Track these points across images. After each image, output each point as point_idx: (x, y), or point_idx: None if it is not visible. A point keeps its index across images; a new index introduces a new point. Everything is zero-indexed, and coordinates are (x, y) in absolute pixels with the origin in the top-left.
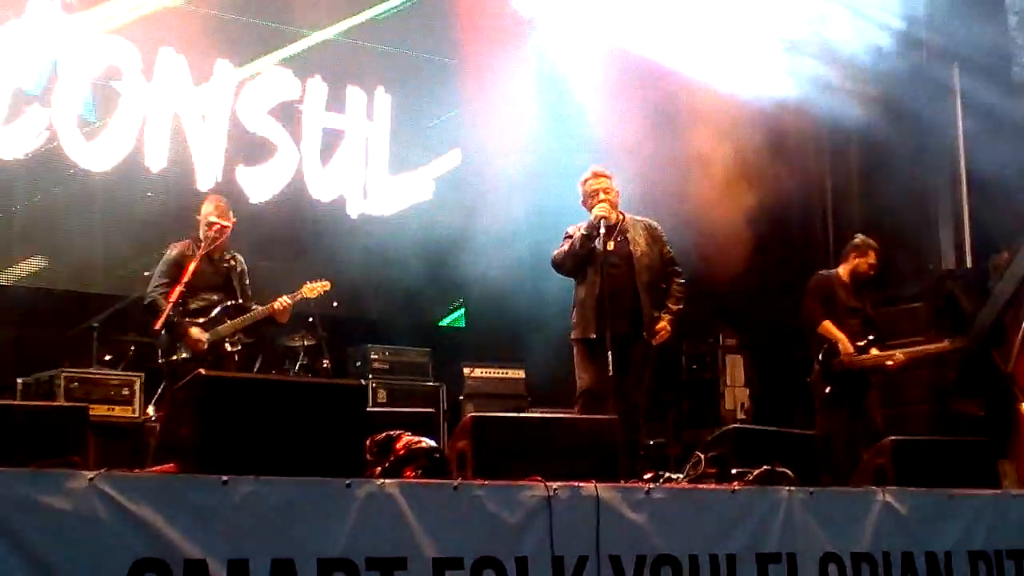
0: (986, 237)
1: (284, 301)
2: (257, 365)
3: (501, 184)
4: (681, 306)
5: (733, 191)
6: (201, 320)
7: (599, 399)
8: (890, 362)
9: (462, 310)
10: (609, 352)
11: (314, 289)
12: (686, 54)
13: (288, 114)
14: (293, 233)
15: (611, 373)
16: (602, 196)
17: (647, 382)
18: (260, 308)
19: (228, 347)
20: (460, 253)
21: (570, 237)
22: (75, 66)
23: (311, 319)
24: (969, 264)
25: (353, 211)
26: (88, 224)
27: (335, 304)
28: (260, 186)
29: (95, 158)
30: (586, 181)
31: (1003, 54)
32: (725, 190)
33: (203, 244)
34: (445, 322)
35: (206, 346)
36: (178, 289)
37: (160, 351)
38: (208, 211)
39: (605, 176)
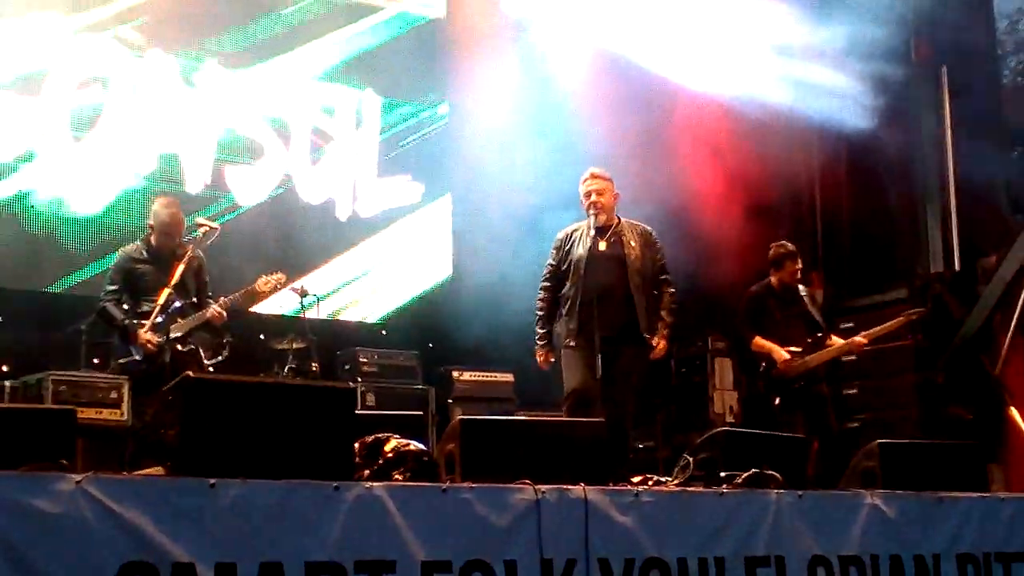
0: (974, 240)
1: (216, 309)
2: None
3: (490, 187)
4: (674, 318)
5: (722, 194)
6: (150, 322)
7: (586, 402)
8: (854, 347)
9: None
10: (599, 355)
11: (268, 282)
12: (675, 57)
13: (277, 116)
14: (282, 234)
15: (598, 376)
16: (594, 198)
17: (638, 387)
18: (198, 315)
19: (180, 347)
20: (448, 256)
21: (555, 248)
22: (63, 66)
23: (300, 322)
24: (957, 267)
25: (342, 213)
26: (79, 227)
27: (319, 305)
28: (249, 188)
29: (83, 159)
30: (583, 182)
31: (992, 57)
32: (714, 193)
33: (172, 245)
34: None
35: (155, 348)
36: (166, 292)
37: (113, 354)
38: (159, 211)
39: (601, 178)
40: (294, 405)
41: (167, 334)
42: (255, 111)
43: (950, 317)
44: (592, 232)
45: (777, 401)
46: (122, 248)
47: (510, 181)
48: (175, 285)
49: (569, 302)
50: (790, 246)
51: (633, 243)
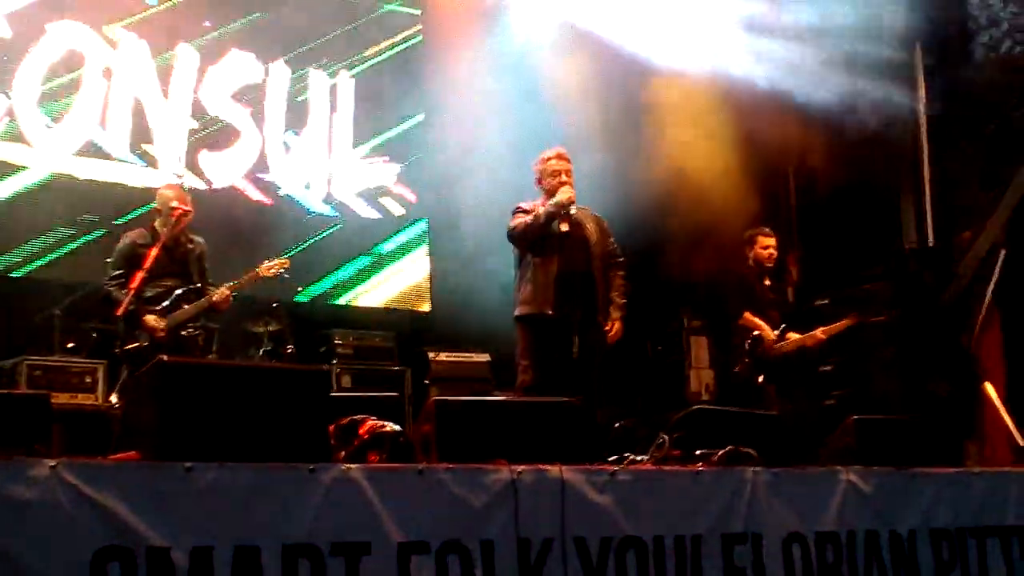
0: (949, 216)
1: (222, 292)
2: (214, 348)
3: (466, 167)
4: (626, 300)
5: (695, 173)
6: (158, 307)
7: (545, 391)
8: (810, 342)
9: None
10: (576, 336)
11: (271, 268)
12: (648, 34)
13: (251, 98)
14: (256, 218)
15: (575, 355)
16: (564, 178)
17: (600, 368)
18: (202, 301)
19: (185, 333)
20: (423, 236)
21: (524, 212)
22: (35, 51)
23: (275, 304)
24: (932, 243)
25: (317, 195)
26: (49, 211)
27: (299, 289)
28: (223, 171)
29: (56, 144)
30: (548, 160)
31: (965, 33)
32: (688, 172)
33: (166, 230)
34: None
35: (164, 333)
36: (140, 275)
37: (118, 339)
38: (168, 197)
39: (567, 160)
40: (269, 388)
41: (178, 321)
42: (228, 95)
43: (926, 293)
44: (572, 212)
45: (760, 379)
46: (126, 233)
47: (486, 162)
48: (181, 271)
49: (532, 278)
50: (764, 228)
51: (591, 228)
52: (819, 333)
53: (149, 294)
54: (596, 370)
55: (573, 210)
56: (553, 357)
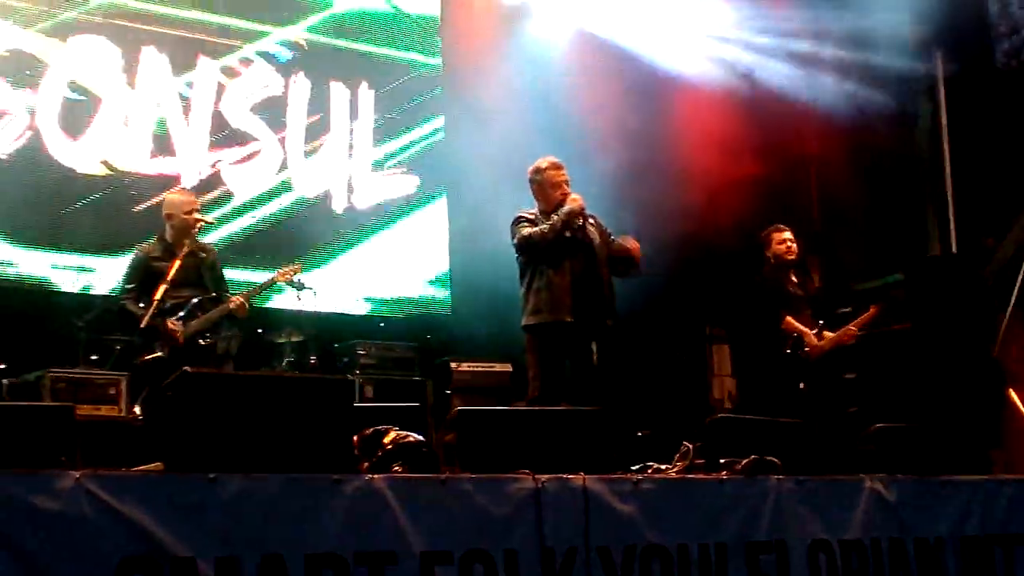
0: (972, 223)
1: (238, 299)
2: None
3: (486, 176)
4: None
5: (718, 182)
6: (174, 316)
7: (557, 400)
8: (846, 338)
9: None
10: (594, 343)
11: (285, 274)
12: (666, 40)
13: (272, 111)
14: (278, 228)
15: (595, 363)
16: (566, 188)
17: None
18: (219, 308)
19: (203, 342)
20: (444, 246)
21: (528, 220)
22: (57, 66)
23: (297, 316)
24: (955, 250)
25: (338, 206)
26: (73, 223)
27: (317, 298)
28: (245, 183)
29: (79, 158)
30: (545, 170)
31: (986, 40)
32: (710, 181)
33: (187, 240)
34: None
35: (182, 340)
36: (162, 287)
37: (136, 351)
38: (177, 203)
39: (563, 168)
40: (292, 398)
41: (194, 331)
42: (249, 105)
43: (949, 300)
44: (588, 222)
45: (802, 385)
46: (137, 245)
47: (507, 173)
48: (195, 280)
49: (546, 285)
50: (777, 224)
51: (593, 233)
52: (852, 327)
53: (166, 304)
54: (614, 377)
55: (586, 217)
56: (570, 365)
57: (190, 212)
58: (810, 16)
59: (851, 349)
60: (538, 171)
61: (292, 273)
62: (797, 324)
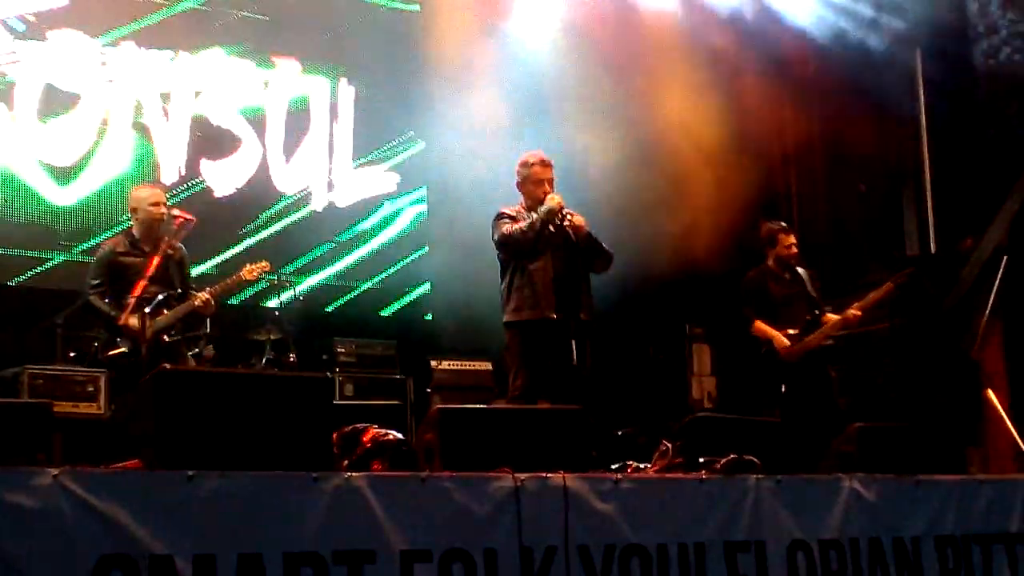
0: (950, 223)
1: (203, 296)
2: (211, 355)
3: (466, 173)
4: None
5: (697, 183)
6: (140, 312)
7: (539, 397)
8: (849, 318)
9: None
10: (573, 340)
11: (252, 271)
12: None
13: (250, 106)
14: (257, 226)
15: (575, 361)
16: (547, 187)
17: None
18: (184, 305)
19: (166, 338)
20: (425, 244)
21: (510, 217)
22: (33, 62)
23: (276, 313)
24: (934, 250)
25: (318, 203)
26: (53, 220)
27: (300, 298)
28: (225, 179)
29: (57, 155)
30: (532, 165)
31: (965, 39)
32: (689, 182)
33: (166, 238)
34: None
35: (138, 329)
36: (141, 284)
37: (99, 346)
38: (142, 198)
39: (550, 166)
40: (271, 396)
41: (159, 327)
42: (229, 101)
43: (927, 300)
44: (565, 220)
45: (783, 388)
46: (104, 240)
47: (488, 169)
48: (161, 277)
49: (527, 282)
50: (781, 223)
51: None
52: (854, 309)
53: (128, 301)
54: (591, 374)
55: (565, 216)
56: (550, 362)
57: (156, 204)
58: (787, 15)
59: (832, 349)
60: (524, 165)
61: (260, 271)
62: (767, 328)
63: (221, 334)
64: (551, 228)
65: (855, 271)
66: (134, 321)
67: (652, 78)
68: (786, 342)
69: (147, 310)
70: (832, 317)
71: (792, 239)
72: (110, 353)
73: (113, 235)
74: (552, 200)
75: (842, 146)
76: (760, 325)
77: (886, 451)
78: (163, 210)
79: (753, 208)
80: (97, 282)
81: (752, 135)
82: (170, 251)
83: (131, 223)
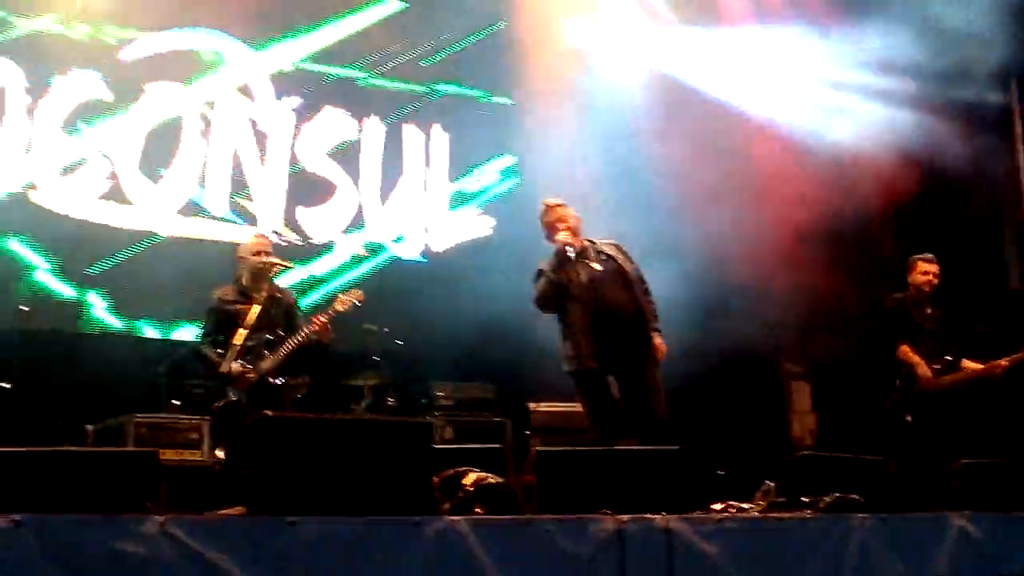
0: None
1: (319, 320)
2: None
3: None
4: (658, 321)
5: (793, 219)
6: (245, 357)
7: (621, 427)
8: (998, 371)
9: None
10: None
11: (345, 301)
12: (739, 87)
13: (346, 154)
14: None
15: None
16: (560, 226)
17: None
18: (296, 337)
19: (272, 381)
20: (521, 287)
21: (542, 272)
22: (134, 112)
23: (375, 358)
24: None
25: (414, 248)
26: (154, 272)
27: (399, 342)
28: (321, 226)
29: (158, 204)
30: (544, 213)
31: None
32: (785, 218)
33: (265, 285)
34: None
35: (255, 378)
36: (241, 332)
37: (212, 397)
38: (250, 247)
39: (560, 205)
40: (371, 441)
41: (262, 371)
42: (323, 150)
43: None
44: (571, 257)
45: (909, 418)
46: (214, 290)
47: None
48: (260, 324)
49: (572, 329)
50: (927, 253)
51: (618, 257)
52: (1003, 361)
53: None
54: (663, 401)
55: (571, 253)
56: (609, 409)
57: (258, 254)
58: (880, 55)
59: (962, 392)
60: (540, 215)
61: (352, 299)
62: (912, 355)
63: (320, 380)
64: (568, 270)
65: (956, 306)
66: (236, 367)
67: None
68: (929, 372)
69: (250, 356)
70: (970, 364)
71: (928, 268)
72: (219, 404)
73: (223, 285)
74: (557, 242)
75: (941, 179)
76: (905, 349)
77: (994, 488)
78: (264, 259)
79: (851, 244)
80: (207, 331)
81: (849, 170)
82: (278, 295)
83: (239, 272)
